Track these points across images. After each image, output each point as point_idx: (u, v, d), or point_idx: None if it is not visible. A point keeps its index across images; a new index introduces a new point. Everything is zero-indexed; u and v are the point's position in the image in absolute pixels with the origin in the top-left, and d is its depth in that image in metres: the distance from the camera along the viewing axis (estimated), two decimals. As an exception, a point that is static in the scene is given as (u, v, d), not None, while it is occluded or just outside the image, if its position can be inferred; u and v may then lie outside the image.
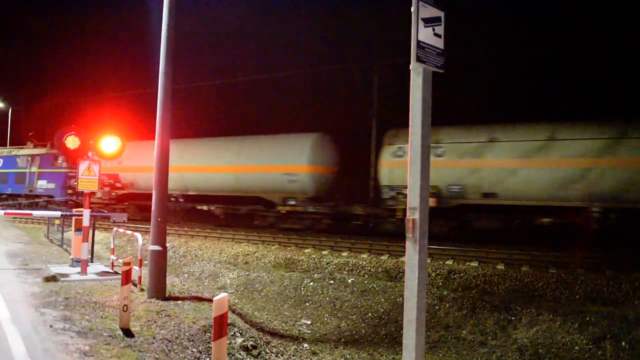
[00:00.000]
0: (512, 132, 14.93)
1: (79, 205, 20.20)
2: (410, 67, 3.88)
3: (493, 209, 14.94)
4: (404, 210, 16.34)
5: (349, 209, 17.43)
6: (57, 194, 23.93)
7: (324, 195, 18.01)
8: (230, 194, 19.62)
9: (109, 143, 9.61)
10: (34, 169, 25.28)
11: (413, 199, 3.82)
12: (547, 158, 14.04)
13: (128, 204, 22.53)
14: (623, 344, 7.80)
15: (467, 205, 15.22)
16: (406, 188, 14.93)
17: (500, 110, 20.26)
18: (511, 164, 14.42)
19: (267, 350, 7.13)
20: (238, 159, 19.08)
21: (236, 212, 19.66)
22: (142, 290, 8.53)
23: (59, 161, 24.07)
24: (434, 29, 3.92)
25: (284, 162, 17.86)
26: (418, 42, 3.80)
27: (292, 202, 17.84)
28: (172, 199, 20.76)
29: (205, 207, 20.56)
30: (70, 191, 23.33)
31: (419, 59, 3.80)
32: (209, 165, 19.74)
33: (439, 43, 3.99)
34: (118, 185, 22.91)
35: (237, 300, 10.58)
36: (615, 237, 13.35)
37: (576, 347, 7.97)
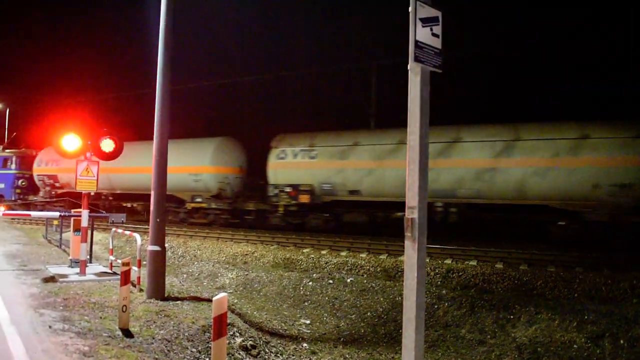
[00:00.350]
0: (372, 137, 17.25)
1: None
2: (409, 67, 3.89)
3: (359, 204, 17.35)
4: (285, 205, 15.43)
5: (244, 205, 19.58)
6: (7, 194, 27.17)
7: (226, 193, 19.91)
8: (148, 192, 20.72)
9: (107, 143, 9.59)
10: (-14, 170, 28.66)
11: (411, 198, 3.83)
12: (396, 160, 15.89)
13: (65, 202, 24.44)
14: (622, 342, 7.82)
15: (337, 201, 17.48)
16: (287, 186, 16.80)
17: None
18: (369, 165, 16.53)
19: (267, 350, 7.13)
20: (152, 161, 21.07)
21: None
22: (141, 290, 8.53)
23: (9, 163, 27.54)
24: (431, 29, 3.93)
25: (191, 164, 19.99)
26: (416, 42, 3.81)
27: (199, 200, 20.24)
28: (103, 197, 23.73)
29: (129, 205, 23.26)
30: (18, 191, 26.90)
31: (417, 59, 3.81)
32: (131, 166, 21.18)
33: (437, 43, 4.00)
34: (57, 185, 25.06)
35: (236, 300, 10.59)
36: (454, 227, 15.69)
37: (575, 346, 7.99)
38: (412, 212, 3.82)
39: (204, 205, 20.05)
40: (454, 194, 15.37)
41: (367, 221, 17.00)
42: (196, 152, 20.24)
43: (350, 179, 16.85)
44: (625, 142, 13.45)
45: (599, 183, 13.49)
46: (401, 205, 15.95)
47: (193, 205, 20.32)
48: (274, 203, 18.31)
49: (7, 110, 41.14)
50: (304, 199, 17.52)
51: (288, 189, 17.85)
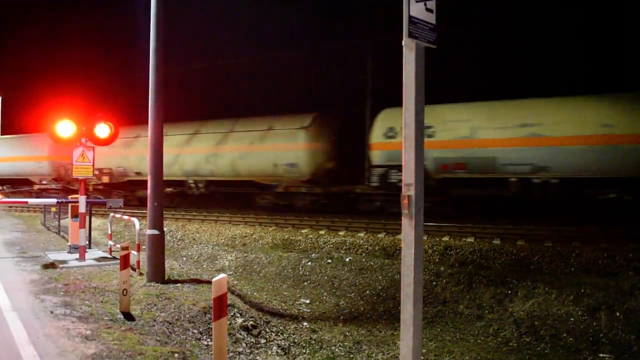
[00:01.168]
0: (210, 126, 20.54)
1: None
2: (403, 43, 3.86)
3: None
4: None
5: None
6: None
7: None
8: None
9: (102, 129, 9.54)
10: None
11: (408, 176, 3.83)
12: (227, 146, 19.62)
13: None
14: (617, 314, 7.92)
15: (134, 181, 22.35)
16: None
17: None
18: (209, 151, 19.93)
19: (267, 330, 7.21)
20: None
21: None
22: (141, 274, 8.58)
23: None
24: (425, 4, 3.89)
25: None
26: (410, 17, 3.77)
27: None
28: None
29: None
30: None
31: (411, 35, 3.77)
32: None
33: (431, 18, 3.95)
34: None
35: (236, 282, 10.66)
36: (204, 199, 20.99)
37: (571, 319, 8.09)
38: (409, 189, 3.83)
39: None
40: (198, 173, 20.40)
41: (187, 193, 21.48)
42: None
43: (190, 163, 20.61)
44: (293, 132, 17.98)
45: (277, 163, 17.99)
46: (231, 183, 19.82)
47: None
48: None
49: (0, 97, 40.78)
50: (106, 179, 22.97)
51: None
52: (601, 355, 7.20)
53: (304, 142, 17.67)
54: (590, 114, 13.40)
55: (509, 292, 9.08)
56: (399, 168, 14.87)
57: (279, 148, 18.06)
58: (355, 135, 18.69)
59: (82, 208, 9.64)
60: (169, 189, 21.05)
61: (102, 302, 6.74)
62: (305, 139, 17.66)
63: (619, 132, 12.96)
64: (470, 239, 12.15)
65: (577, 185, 13.78)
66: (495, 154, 14.54)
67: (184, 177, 20.83)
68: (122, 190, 22.68)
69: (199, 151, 20.19)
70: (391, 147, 15.98)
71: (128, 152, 21.96)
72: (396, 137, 15.86)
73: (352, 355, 7.08)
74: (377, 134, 16.59)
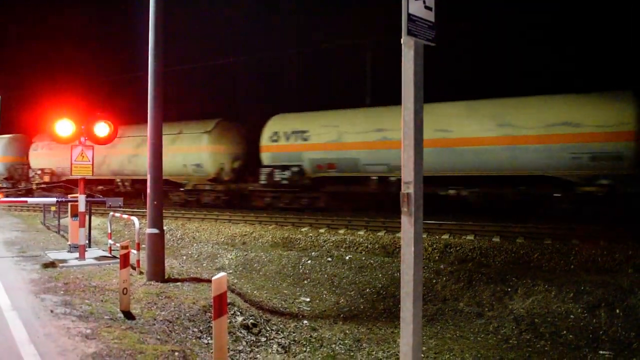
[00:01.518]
0: (132, 130, 22.41)
1: None
2: (402, 41, 3.85)
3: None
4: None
5: None
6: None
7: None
8: None
9: (101, 128, 9.53)
10: None
11: (407, 174, 3.83)
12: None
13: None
14: (617, 311, 7.93)
15: (73, 179, 23.86)
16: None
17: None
18: (131, 152, 22.27)
19: (268, 328, 7.22)
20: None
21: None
22: (141, 273, 8.58)
23: None
24: (424, 2, 3.88)
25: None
26: (409, 15, 3.76)
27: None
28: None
29: None
30: None
31: (410, 33, 3.77)
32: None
33: (430, 16, 3.95)
34: None
35: (236, 280, 10.67)
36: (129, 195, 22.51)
37: (571, 316, 8.10)
38: (408, 187, 3.83)
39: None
40: (122, 172, 22.80)
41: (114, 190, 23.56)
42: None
43: (115, 162, 22.95)
44: (198, 136, 20.30)
45: (186, 164, 20.36)
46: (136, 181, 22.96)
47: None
48: None
49: (0, 97, 40.73)
50: (47, 178, 25.57)
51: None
52: (601, 352, 7.21)
53: (207, 145, 20.01)
54: (428, 120, 13.74)
55: (509, 289, 9.09)
56: (282, 168, 18.17)
57: (186, 150, 20.44)
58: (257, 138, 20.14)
59: (81, 207, 9.64)
60: (100, 187, 23.84)
61: (102, 301, 6.74)
62: (208, 142, 20.03)
63: (454, 136, 15.18)
64: (470, 237, 12.17)
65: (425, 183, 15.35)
66: (358, 155, 16.91)
67: (112, 176, 23.39)
68: (62, 189, 24.55)
69: (123, 152, 22.49)
70: (275, 149, 18.58)
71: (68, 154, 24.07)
72: (279, 141, 18.51)
73: (352, 353, 7.09)
74: (265, 138, 18.89)
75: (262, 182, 18.63)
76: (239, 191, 19.95)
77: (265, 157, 18.84)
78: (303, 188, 18.21)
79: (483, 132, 14.85)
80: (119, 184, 23.40)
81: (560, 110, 14.03)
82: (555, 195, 14.26)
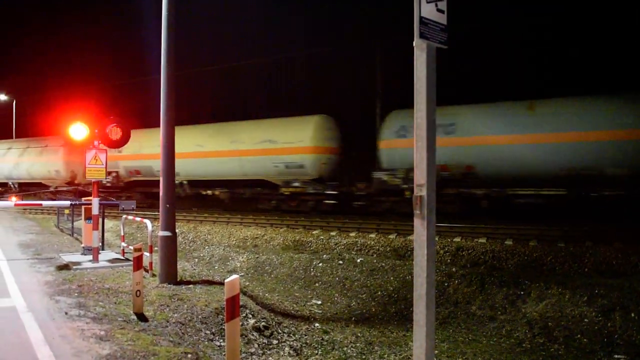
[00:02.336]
0: (18, 143, 28.77)
1: None
2: (414, 44, 3.86)
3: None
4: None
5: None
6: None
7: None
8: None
9: (114, 131, 9.62)
10: None
11: (420, 176, 3.82)
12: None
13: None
14: (632, 315, 7.83)
15: (3, 182, 29.75)
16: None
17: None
18: (16, 161, 28.17)
19: (279, 331, 7.23)
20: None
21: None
22: (153, 275, 8.64)
23: None
24: (436, 5, 3.88)
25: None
26: (421, 18, 3.76)
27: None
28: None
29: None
30: None
31: (422, 36, 3.77)
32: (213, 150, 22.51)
33: (442, 19, 3.95)
34: None
35: (247, 283, 10.70)
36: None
37: (585, 320, 8.01)
38: (421, 189, 3.82)
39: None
40: (11, 177, 28.47)
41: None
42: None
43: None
44: (56, 148, 26.00)
45: (50, 169, 26.26)
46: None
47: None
48: None
49: (14, 101, 41.31)
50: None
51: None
52: (616, 356, 7.12)
53: (62, 155, 25.72)
54: (190, 137, 20.42)
55: (522, 292, 9.01)
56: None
57: (50, 159, 26.19)
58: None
59: (95, 210, 9.73)
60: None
61: (115, 303, 6.80)
62: (62, 153, 25.66)
63: (205, 150, 20.42)
64: (482, 240, 12.09)
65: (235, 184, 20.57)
66: (152, 164, 21.53)
67: (5, 179, 29.26)
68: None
69: (10, 161, 28.18)
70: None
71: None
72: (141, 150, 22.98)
73: (364, 356, 7.07)
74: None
75: (107, 184, 24.10)
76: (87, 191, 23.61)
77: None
78: (120, 189, 24.10)
79: (222, 147, 19.98)
80: (11, 185, 29.30)
81: (265, 131, 19.02)
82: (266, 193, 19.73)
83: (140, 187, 23.62)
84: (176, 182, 19.39)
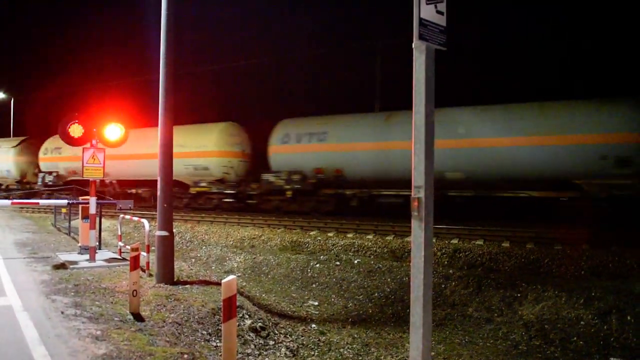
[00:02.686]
0: None
1: None
2: (413, 45, 3.86)
3: None
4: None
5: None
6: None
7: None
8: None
9: (112, 130, 9.61)
10: None
11: (418, 178, 3.82)
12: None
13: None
14: (629, 318, 7.85)
15: None
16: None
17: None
18: None
19: (276, 332, 7.22)
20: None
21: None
22: (150, 275, 8.62)
23: None
24: (436, 6, 3.89)
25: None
26: (420, 19, 3.77)
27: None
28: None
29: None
30: None
31: (421, 37, 3.77)
32: (136, 153, 23.75)
33: (442, 20, 3.96)
34: None
35: (244, 283, 10.69)
36: None
37: (582, 322, 8.03)
38: (419, 191, 3.83)
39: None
40: None
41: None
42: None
43: None
44: (7, 150, 29.81)
45: (1, 169, 30.09)
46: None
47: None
48: None
49: (12, 100, 41.21)
50: None
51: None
52: (612, 359, 7.14)
53: (13, 157, 29.38)
54: (145, 141, 21.41)
55: (519, 295, 9.03)
56: (49, 173, 27.16)
57: (1, 160, 29.73)
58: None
59: (92, 209, 9.71)
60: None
61: (112, 302, 6.78)
62: (14, 154, 29.35)
63: (140, 152, 21.85)
64: (480, 242, 12.10)
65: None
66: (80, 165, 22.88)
67: None
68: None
69: None
70: (46, 160, 27.54)
71: None
72: (47, 154, 27.41)
73: (360, 358, 7.07)
74: (42, 151, 27.74)
75: (39, 184, 27.44)
76: (36, 190, 26.32)
77: (43, 166, 27.74)
78: (60, 187, 26.03)
79: (142, 150, 21.62)
80: None
81: (177, 136, 19.45)
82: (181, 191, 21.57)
83: (78, 185, 25.64)
84: (107, 181, 24.33)
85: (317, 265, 11.68)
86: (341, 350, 7.26)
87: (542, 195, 14.72)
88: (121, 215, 11.64)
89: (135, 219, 11.08)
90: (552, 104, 14.84)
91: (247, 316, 7.16)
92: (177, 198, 21.39)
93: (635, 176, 13.28)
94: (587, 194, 14.04)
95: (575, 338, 7.73)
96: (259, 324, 7.05)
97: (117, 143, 9.77)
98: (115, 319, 6.06)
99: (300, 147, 18.49)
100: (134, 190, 23.65)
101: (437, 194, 16.92)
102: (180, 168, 19.96)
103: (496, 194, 15.20)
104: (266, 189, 19.06)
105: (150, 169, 20.69)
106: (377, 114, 18.07)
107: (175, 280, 8.36)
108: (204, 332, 6.26)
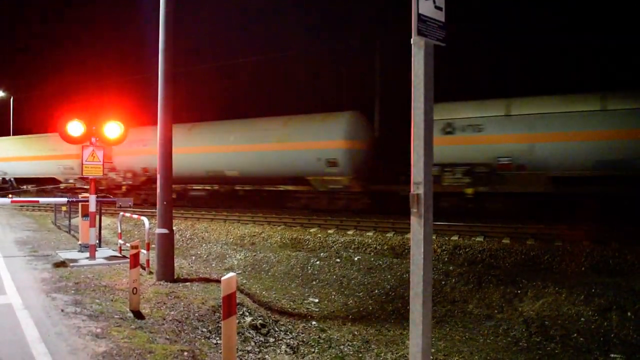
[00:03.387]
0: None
1: None
2: (412, 41, 3.84)
3: None
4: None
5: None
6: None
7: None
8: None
9: (112, 128, 9.60)
10: None
11: (417, 174, 3.81)
12: None
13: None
14: (629, 314, 7.85)
15: None
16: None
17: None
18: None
19: (276, 329, 7.22)
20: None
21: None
22: (150, 273, 8.63)
23: None
24: (434, 2, 3.87)
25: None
26: (419, 15, 3.75)
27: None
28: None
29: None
30: None
31: (420, 33, 3.76)
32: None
33: (440, 16, 3.94)
34: None
35: (245, 281, 10.70)
36: None
37: (582, 319, 8.03)
38: (418, 187, 3.82)
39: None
40: None
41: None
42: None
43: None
44: None
45: None
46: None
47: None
48: None
49: (12, 98, 41.19)
50: None
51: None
52: (612, 355, 7.14)
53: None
54: (40, 145, 26.89)
55: (519, 291, 9.03)
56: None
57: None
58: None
59: (92, 207, 9.71)
60: None
61: (112, 300, 6.78)
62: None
63: (42, 154, 26.47)
64: (480, 238, 12.10)
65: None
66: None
67: None
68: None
69: None
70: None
71: None
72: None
73: (360, 355, 7.07)
74: None
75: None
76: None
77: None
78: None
79: (43, 153, 26.15)
80: None
81: (47, 143, 26.00)
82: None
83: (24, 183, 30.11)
84: (6, 178, 29.34)
85: (318, 262, 11.68)
86: (341, 347, 7.26)
87: (291, 188, 18.59)
88: (121, 213, 11.64)
89: (135, 216, 11.08)
90: (296, 116, 18.84)
91: (247, 313, 7.16)
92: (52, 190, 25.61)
93: (340, 174, 16.86)
94: (315, 187, 17.76)
95: (575, 334, 7.74)
96: (259, 321, 7.05)
97: (117, 141, 9.76)
98: (116, 316, 6.06)
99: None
100: (28, 186, 28.40)
101: (224, 188, 19.83)
102: (52, 167, 26.00)
103: (264, 187, 19.14)
104: None
105: (37, 167, 26.92)
106: (246, 120, 20.60)
107: (175, 277, 8.37)
108: (204, 330, 6.27)
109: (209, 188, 20.85)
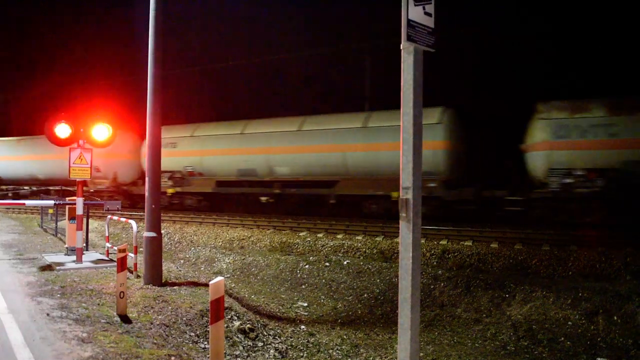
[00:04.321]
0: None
1: None
2: (401, 47, 3.86)
3: None
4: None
5: None
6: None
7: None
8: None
9: (100, 130, 9.53)
10: None
11: (406, 179, 3.83)
12: None
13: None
14: (615, 318, 7.93)
15: None
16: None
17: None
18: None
19: (265, 333, 7.19)
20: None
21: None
22: (138, 276, 8.55)
23: None
24: (424, 8, 3.89)
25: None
26: (408, 21, 3.77)
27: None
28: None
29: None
30: None
31: (409, 38, 3.78)
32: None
33: (430, 22, 3.96)
34: None
35: (233, 285, 10.64)
36: None
37: (569, 323, 8.09)
38: (407, 192, 3.83)
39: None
40: None
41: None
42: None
43: None
44: None
45: None
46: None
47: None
48: None
49: (-2, 99, 40.73)
50: None
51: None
52: (598, 359, 7.20)
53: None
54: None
55: (507, 295, 9.08)
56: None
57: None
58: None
59: (79, 210, 9.61)
60: None
61: (98, 304, 6.71)
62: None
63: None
64: (468, 243, 12.16)
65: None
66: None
67: None
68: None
69: None
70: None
71: None
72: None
73: (349, 359, 7.06)
74: None
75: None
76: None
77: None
78: None
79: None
80: None
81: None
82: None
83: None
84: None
85: (307, 266, 11.66)
86: (330, 351, 7.25)
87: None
88: (109, 216, 11.54)
89: (123, 219, 10.99)
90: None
91: (235, 317, 7.12)
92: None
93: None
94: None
95: (562, 338, 7.79)
96: (248, 325, 7.01)
97: (105, 143, 9.68)
98: (102, 321, 6.00)
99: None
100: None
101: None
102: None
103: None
104: None
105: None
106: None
107: (163, 281, 8.30)
108: (192, 334, 6.22)
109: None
